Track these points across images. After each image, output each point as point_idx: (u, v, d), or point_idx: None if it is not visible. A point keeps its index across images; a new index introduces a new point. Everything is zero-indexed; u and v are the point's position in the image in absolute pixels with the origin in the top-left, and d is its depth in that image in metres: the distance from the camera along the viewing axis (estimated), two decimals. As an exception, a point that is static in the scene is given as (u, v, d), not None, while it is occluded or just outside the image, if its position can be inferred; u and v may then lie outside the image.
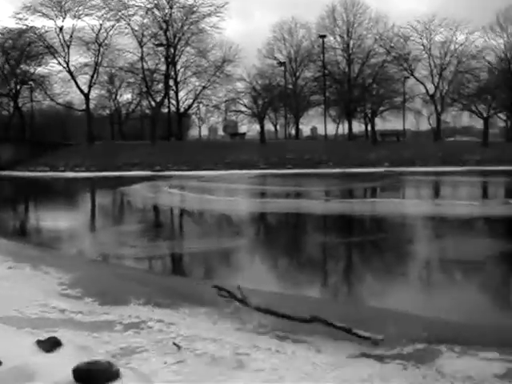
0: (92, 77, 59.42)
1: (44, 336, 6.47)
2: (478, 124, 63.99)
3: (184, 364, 5.77)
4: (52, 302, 8.35)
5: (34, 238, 16.38)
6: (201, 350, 6.17)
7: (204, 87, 64.65)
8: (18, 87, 60.37)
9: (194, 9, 61.16)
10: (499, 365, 5.81)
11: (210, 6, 60.74)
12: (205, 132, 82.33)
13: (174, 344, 6.33)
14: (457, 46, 62.28)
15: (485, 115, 54.84)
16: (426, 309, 8.37)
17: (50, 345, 6.24)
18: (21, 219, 22.17)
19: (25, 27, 57.25)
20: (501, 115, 60.87)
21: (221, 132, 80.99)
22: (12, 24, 60.82)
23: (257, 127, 62.17)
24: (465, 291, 9.72)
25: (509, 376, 5.51)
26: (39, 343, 6.26)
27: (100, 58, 59.52)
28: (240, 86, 61.40)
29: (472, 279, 10.81)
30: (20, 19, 57.05)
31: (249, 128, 68.42)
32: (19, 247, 13.84)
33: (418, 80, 63.46)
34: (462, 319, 7.76)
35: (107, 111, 70.81)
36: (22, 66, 59.71)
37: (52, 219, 20.09)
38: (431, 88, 63.30)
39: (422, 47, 63.16)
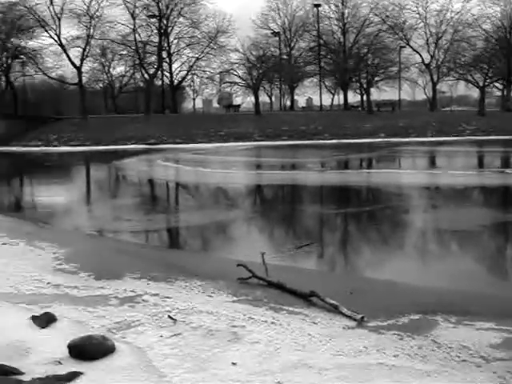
0: (84, 50, 58.68)
1: (39, 312, 6.46)
2: (475, 93, 63.90)
3: (180, 337, 5.76)
4: (47, 277, 8.32)
5: (29, 213, 16.30)
6: (196, 323, 6.16)
7: (198, 58, 64.18)
8: (10, 61, 59.61)
9: (187, -21, 60.34)
10: (496, 334, 5.82)
11: (203, -25, 59.95)
12: (199, 104, 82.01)
13: (170, 317, 6.32)
14: (453, 15, 61.99)
15: (481, 84, 54.63)
16: (421, 279, 8.37)
17: (45, 320, 6.23)
18: (15, 195, 22.07)
19: (15, 0, 56.39)
20: (497, 84, 60.65)
21: (215, 104, 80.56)
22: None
23: (251, 99, 62.00)
24: (460, 261, 9.73)
25: (505, 345, 5.52)
26: (34, 319, 6.24)
27: (92, 31, 58.68)
28: (234, 57, 61.01)
29: (467, 249, 10.83)
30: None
31: (243, 100, 68.24)
32: (14, 223, 13.79)
33: (413, 49, 63.22)
34: (458, 288, 7.77)
35: (100, 85, 70.38)
36: (12, 40, 58.85)
37: (46, 194, 20.01)
38: (427, 57, 63.12)
39: (417, 16, 62.83)
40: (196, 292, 7.53)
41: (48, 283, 8.00)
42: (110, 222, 13.78)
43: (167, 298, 7.18)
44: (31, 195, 21.64)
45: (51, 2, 56.93)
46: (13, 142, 47.74)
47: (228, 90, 66.81)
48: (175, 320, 6.24)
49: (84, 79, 61.75)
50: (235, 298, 7.24)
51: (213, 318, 6.37)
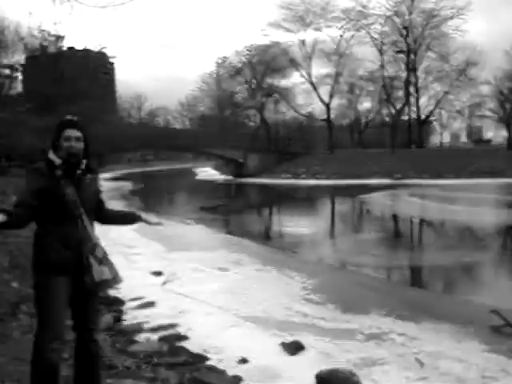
0: (333, 87, 61.02)
1: (288, 339, 6.72)
2: None
3: (427, 381, 5.55)
4: (296, 305, 8.68)
5: (278, 242, 17.19)
6: (445, 369, 5.88)
7: (446, 92, 62.44)
8: (264, 100, 64.43)
9: (435, 13, 59.57)
10: None
11: (452, 8, 58.69)
12: (446, 139, 79.37)
13: (417, 360, 6.12)
14: None
15: None
16: None
17: (294, 348, 6.48)
18: (265, 224, 23.48)
19: (270, 43, 61.08)
20: None
21: (464, 139, 77.34)
22: (258, 40, 65.27)
23: (504, 133, 58.13)
24: None
25: None
26: (283, 345, 6.53)
27: (340, 69, 60.87)
28: (485, 89, 58.08)
29: None
30: (265, 35, 61.19)
31: (495, 134, 64.37)
32: (266, 251, 14.65)
33: None
34: None
35: (347, 120, 72.11)
36: (267, 80, 63.65)
37: (294, 225, 20.93)
38: None
39: None
40: (444, 336, 7.20)
41: (297, 311, 8.33)
42: (354, 255, 13.89)
43: (414, 338, 6.99)
44: (280, 225, 22.81)
45: (303, 44, 60.50)
46: (264, 174, 51.23)
47: (478, 123, 63.80)
48: (423, 363, 6.03)
49: (332, 115, 64.11)
50: (487, 347, 6.75)
51: (463, 365, 6.02)
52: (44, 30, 45.94)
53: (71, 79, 47.10)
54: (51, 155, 3.52)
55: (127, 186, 46.95)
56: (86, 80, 51.19)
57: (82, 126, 3.62)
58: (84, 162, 3.58)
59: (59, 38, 47.43)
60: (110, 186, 38.54)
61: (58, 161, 3.49)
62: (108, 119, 56.00)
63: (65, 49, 51.02)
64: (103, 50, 57.33)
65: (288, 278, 10.83)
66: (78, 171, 3.56)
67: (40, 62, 48.74)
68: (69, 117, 3.66)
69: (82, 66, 52.43)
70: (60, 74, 46.44)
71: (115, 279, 3.61)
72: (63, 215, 3.44)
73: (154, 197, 39.64)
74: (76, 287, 3.52)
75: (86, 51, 57.38)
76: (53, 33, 45.76)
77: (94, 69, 60.49)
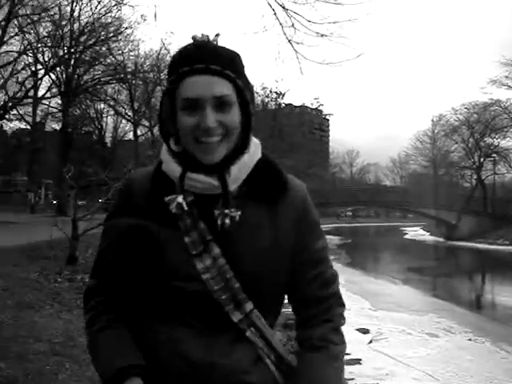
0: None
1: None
2: None
3: None
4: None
5: (492, 311, 16.06)
6: None
7: None
8: (482, 160, 61.42)
9: None
10: None
11: None
12: None
13: None
14: None
15: None
16: None
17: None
18: (477, 291, 22.08)
19: (489, 100, 58.44)
20: None
21: None
22: (477, 98, 62.85)
23: None
24: None
25: None
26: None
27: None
28: None
29: None
30: (485, 93, 58.68)
31: None
32: (478, 319, 13.77)
33: None
34: None
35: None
36: (485, 139, 60.75)
37: (508, 294, 19.40)
38: None
39: None
40: None
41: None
42: None
43: None
44: (494, 294, 21.28)
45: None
46: (478, 238, 48.33)
47: None
48: None
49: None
50: None
51: None
52: (266, 88, 49.22)
53: (288, 134, 49.46)
54: (164, 154, 1.56)
55: (335, 240, 47.46)
56: (301, 135, 53.30)
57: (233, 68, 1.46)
58: (240, 164, 1.51)
59: (279, 94, 50.24)
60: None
61: (176, 169, 1.51)
62: (319, 173, 57.57)
63: (284, 105, 53.86)
64: (320, 107, 59.45)
65: (506, 352, 10.02)
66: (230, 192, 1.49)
67: (260, 116, 52.07)
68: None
69: (298, 122, 54.74)
70: (278, 129, 49.02)
71: None
72: (190, 311, 1.49)
73: (360, 253, 39.53)
74: None
75: (303, 108, 59.93)
76: (274, 90, 48.78)
77: (309, 125, 62.91)
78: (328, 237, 47.40)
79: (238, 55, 1.50)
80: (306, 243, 1.57)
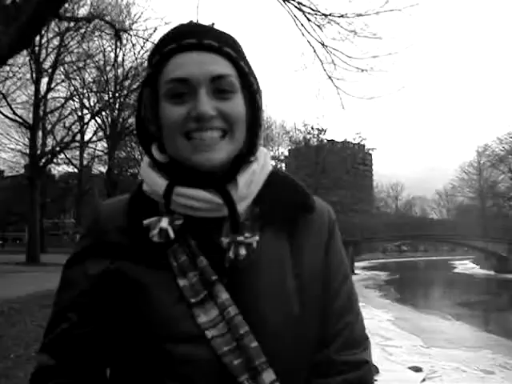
0: None
1: None
2: None
3: None
4: None
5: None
6: None
7: None
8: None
9: None
10: None
11: None
12: None
13: None
14: None
15: None
16: None
17: None
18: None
19: None
20: None
21: None
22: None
23: None
24: None
25: None
26: None
27: None
28: None
29: None
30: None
31: None
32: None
33: None
34: None
35: None
36: None
37: None
38: None
39: None
40: None
41: None
42: None
43: None
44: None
45: None
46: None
47: None
48: None
49: None
50: None
51: None
52: (307, 124, 49.56)
53: (331, 170, 49.40)
54: (145, 168, 1.16)
55: (382, 276, 46.66)
56: (343, 170, 53.13)
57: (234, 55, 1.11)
58: (249, 175, 1.13)
59: (321, 130, 50.39)
60: (363, 276, 38.73)
61: (160, 183, 1.11)
62: (364, 208, 57.09)
63: (325, 141, 53.90)
64: (362, 142, 59.18)
65: None
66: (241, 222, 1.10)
67: (302, 153, 52.19)
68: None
69: (341, 158, 54.64)
70: (321, 166, 49.02)
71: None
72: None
73: (409, 288, 38.67)
74: None
75: (345, 143, 59.88)
76: (315, 126, 49.07)
77: (352, 160, 62.71)
78: (375, 272, 47.07)
79: (236, 39, 1.15)
80: (331, 284, 1.18)
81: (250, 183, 1.11)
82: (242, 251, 1.06)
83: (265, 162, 1.17)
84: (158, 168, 1.12)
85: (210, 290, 1.06)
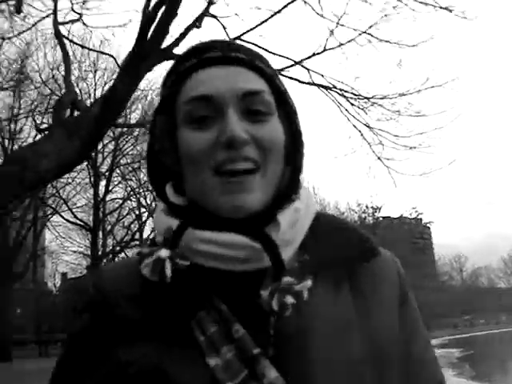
0: None
1: None
2: None
3: None
4: None
5: None
6: None
7: None
8: None
9: None
10: None
11: None
12: None
13: None
14: None
15: None
16: None
17: None
18: None
19: None
20: None
21: None
22: None
23: None
24: None
25: None
26: None
27: None
28: None
29: None
30: None
31: None
32: None
33: None
34: None
35: None
36: None
37: None
38: None
39: None
40: None
41: None
42: None
43: None
44: None
45: None
46: None
47: None
48: None
49: None
50: None
51: None
52: (361, 204, 49.38)
53: (389, 247, 48.66)
54: (159, 216, 0.93)
55: (455, 352, 44.62)
56: (403, 247, 52.21)
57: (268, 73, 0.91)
58: (291, 215, 0.87)
59: (376, 208, 50.08)
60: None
61: (172, 223, 0.87)
62: (428, 285, 55.53)
63: (381, 219, 53.39)
64: (419, 216, 58.44)
65: None
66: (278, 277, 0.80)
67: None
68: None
69: (400, 234, 53.86)
70: (379, 243, 48.40)
71: None
72: None
73: (486, 364, 36.75)
74: None
75: (401, 218, 59.13)
76: (370, 205, 48.84)
77: (410, 235, 61.70)
78: (447, 350, 45.19)
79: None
80: (412, 350, 0.91)
81: (294, 223, 0.86)
82: (289, 299, 0.78)
83: (308, 199, 0.93)
84: (174, 214, 0.88)
85: (252, 367, 0.78)
